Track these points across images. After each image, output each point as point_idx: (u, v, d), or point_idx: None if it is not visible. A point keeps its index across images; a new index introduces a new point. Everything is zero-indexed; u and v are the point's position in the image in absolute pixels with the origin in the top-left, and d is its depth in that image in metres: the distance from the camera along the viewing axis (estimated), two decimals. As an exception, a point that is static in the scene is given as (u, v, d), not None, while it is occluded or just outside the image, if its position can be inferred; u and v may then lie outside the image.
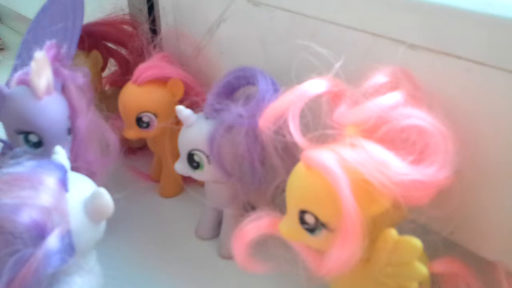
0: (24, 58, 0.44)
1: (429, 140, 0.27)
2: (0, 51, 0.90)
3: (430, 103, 0.28)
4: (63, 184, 0.30)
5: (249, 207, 0.43)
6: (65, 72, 0.38)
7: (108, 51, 0.55)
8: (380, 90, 0.29)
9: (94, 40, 0.53)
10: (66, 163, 0.32)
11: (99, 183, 0.33)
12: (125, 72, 0.52)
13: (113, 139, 0.41)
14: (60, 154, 0.33)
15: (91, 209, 0.30)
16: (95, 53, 0.53)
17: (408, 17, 0.31)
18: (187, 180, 0.47)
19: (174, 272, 0.42)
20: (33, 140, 0.36)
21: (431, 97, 0.29)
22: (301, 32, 0.38)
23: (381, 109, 0.27)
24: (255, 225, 0.30)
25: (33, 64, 0.36)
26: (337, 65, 0.30)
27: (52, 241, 0.28)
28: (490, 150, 0.29)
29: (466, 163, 0.28)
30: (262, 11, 0.41)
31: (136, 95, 0.45)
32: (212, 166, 0.39)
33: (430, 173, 0.26)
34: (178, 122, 0.42)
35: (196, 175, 0.40)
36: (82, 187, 0.32)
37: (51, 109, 0.37)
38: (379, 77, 0.29)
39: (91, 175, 0.35)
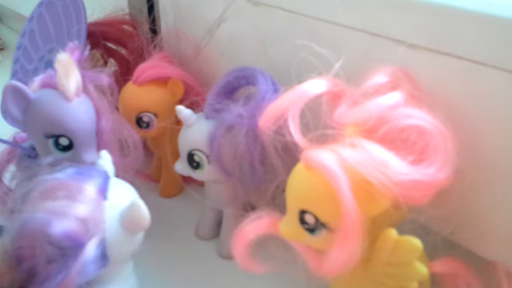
0: (23, 63, 0.44)
1: (429, 140, 0.27)
2: (0, 51, 0.90)
3: (430, 103, 0.28)
4: (102, 192, 0.29)
5: (249, 207, 0.43)
6: (87, 73, 0.38)
7: (108, 51, 0.55)
8: (380, 90, 0.29)
9: (94, 40, 0.53)
10: (111, 169, 0.31)
11: None
12: (125, 72, 0.52)
13: (135, 139, 0.40)
14: (105, 159, 0.32)
15: (127, 221, 0.30)
16: (95, 53, 0.53)
17: (408, 17, 0.31)
18: (187, 180, 0.47)
19: (174, 272, 0.42)
20: (63, 144, 0.36)
21: (431, 97, 0.29)
22: (301, 32, 0.38)
23: (381, 109, 0.27)
24: (255, 225, 0.30)
25: (58, 66, 0.35)
26: (337, 65, 0.30)
27: (89, 251, 0.27)
28: (490, 150, 0.29)
29: (466, 163, 0.28)
30: (262, 11, 0.41)
31: (136, 95, 0.45)
32: (212, 166, 0.39)
33: (430, 173, 0.26)
34: (178, 122, 0.42)
35: (196, 175, 0.40)
36: (122, 195, 0.31)
37: (81, 111, 0.36)
38: (379, 77, 0.29)
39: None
